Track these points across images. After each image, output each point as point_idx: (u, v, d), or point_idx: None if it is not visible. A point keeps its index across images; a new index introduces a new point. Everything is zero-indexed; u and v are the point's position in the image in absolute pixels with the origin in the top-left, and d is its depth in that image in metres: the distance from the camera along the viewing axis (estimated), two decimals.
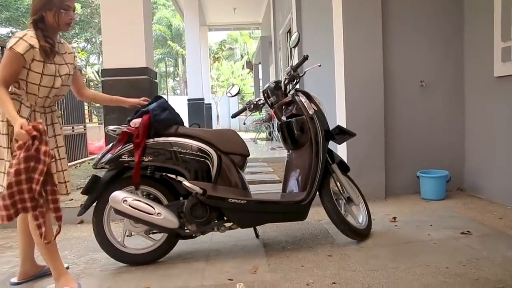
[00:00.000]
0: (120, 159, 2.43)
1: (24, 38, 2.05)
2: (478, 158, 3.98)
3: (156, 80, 4.42)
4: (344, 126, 3.33)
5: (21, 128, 1.89)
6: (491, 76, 3.66)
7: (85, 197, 2.51)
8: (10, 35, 24.30)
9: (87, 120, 10.14)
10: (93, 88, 12.66)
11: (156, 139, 2.45)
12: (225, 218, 2.56)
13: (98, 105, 12.92)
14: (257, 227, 2.93)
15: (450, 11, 4.08)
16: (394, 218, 3.25)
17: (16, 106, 2.09)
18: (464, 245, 2.63)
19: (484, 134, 3.87)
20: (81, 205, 2.51)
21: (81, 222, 3.57)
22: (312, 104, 2.78)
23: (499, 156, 3.66)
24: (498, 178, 3.68)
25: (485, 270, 2.21)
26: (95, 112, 12.39)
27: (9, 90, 2.09)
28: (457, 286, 2.05)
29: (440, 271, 2.24)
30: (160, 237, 2.57)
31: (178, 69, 31.86)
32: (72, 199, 4.03)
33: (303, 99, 2.79)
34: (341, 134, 2.86)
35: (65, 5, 2.16)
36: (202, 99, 11.50)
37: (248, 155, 2.70)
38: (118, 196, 2.39)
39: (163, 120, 2.48)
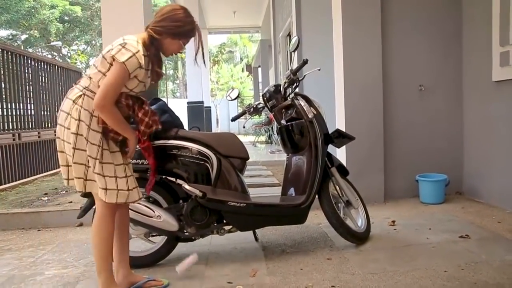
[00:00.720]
0: None
1: (137, 56, 1.90)
2: (477, 162, 3.99)
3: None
4: (343, 130, 3.35)
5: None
6: (489, 80, 3.68)
7: (85, 200, 2.52)
8: (11, 37, 24.37)
9: None
10: None
11: (156, 142, 2.46)
12: (225, 221, 2.56)
13: None
14: (256, 230, 2.94)
15: (449, 15, 4.10)
16: (393, 221, 3.26)
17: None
18: (462, 248, 2.64)
19: (483, 138, 3.89)
20: (81, 207, 2.51)
21: (81, 224, 3.57)
22: (311, 108, 2.79)
23: (498, 160, 3.67)
24: (497, 182, 3.69)
25: (484, 274, 2.22)
26: None
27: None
28: None
29: (438, 274, 2.25)
30: (159, 240, 2.57)
31: (177, 72, 31.91)
32: (71, 202, 4.04)
33: (302, 102, 2.80)
34: (340, 137, 2.87)
35: (187, 41, 2.14)
36: (202, 102, 11.50)
37: (248, 158, 2.71)
38: None
39: (163, 122, 2.47)
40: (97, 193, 1.96)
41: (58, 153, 2.02)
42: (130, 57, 1.88)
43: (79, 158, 1.92)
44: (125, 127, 1.99)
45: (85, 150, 1.91)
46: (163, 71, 2.13)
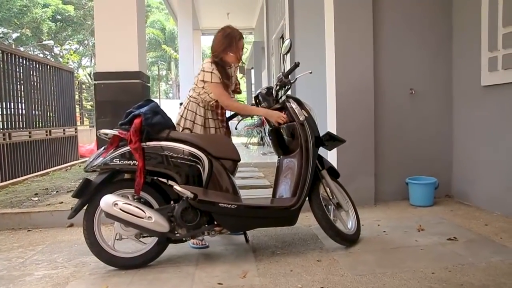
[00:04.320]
0: (112, 163, 2.44)
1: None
2: (465, 166, 4.04)
3: (148, 84, 4.44)
4: (335, 133, 3.38)
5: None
6: (478, 85, 3.73)
7: (76, 200, 2.52)
8: (2, 35, 24.15)
9: (78, 123, 10.08)
10: (84, 91, 12.59)
11: (147, 143, 2.46)
12: (216, 223, 2.57)
13: (89, 107, 12.87)
14: (247, 231, 2.95)
15: (439, 20, 4.15)
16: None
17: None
18: (450, 251, 2.68)
19: (471, 142, 3.94)
20: (72, 208, 2.51)
21: (71, 225, 3.55)
22: (303, 110, 2.81)
23: (486, 164, 3.72)
24: (485, 186, 3.74)
25: (470, 276, 2.26)
26: (86, 115, 12.33)
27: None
28: None
29: (426, 276, 2.28)
30: (150, 241, 2.57)
31: (171, 72, 31.83)
32: (62, 202, 4.02)
33: (294, 105, 2.82)
34: (331, 140, 2.90)
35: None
36: None
37: (239, 160, 2.72)
38: (109, 199, 2.40)
39: (154, 124, 2.50)
40: None
41: None
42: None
43: None
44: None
45: None
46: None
